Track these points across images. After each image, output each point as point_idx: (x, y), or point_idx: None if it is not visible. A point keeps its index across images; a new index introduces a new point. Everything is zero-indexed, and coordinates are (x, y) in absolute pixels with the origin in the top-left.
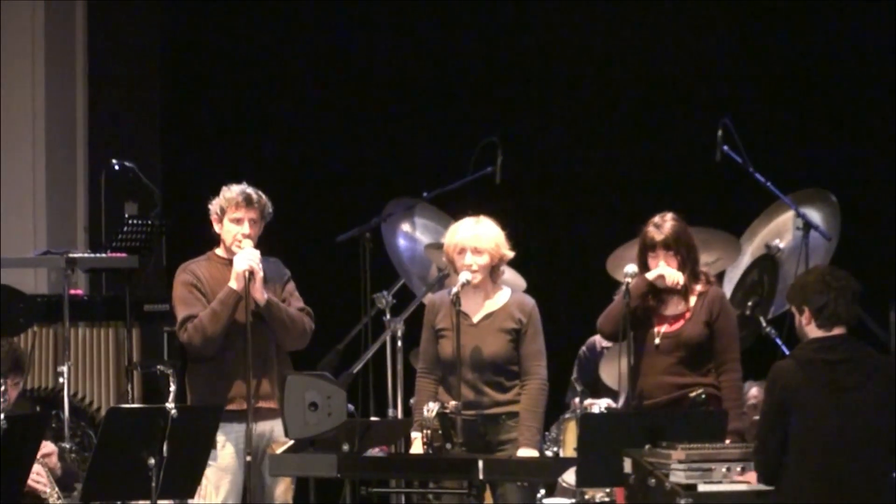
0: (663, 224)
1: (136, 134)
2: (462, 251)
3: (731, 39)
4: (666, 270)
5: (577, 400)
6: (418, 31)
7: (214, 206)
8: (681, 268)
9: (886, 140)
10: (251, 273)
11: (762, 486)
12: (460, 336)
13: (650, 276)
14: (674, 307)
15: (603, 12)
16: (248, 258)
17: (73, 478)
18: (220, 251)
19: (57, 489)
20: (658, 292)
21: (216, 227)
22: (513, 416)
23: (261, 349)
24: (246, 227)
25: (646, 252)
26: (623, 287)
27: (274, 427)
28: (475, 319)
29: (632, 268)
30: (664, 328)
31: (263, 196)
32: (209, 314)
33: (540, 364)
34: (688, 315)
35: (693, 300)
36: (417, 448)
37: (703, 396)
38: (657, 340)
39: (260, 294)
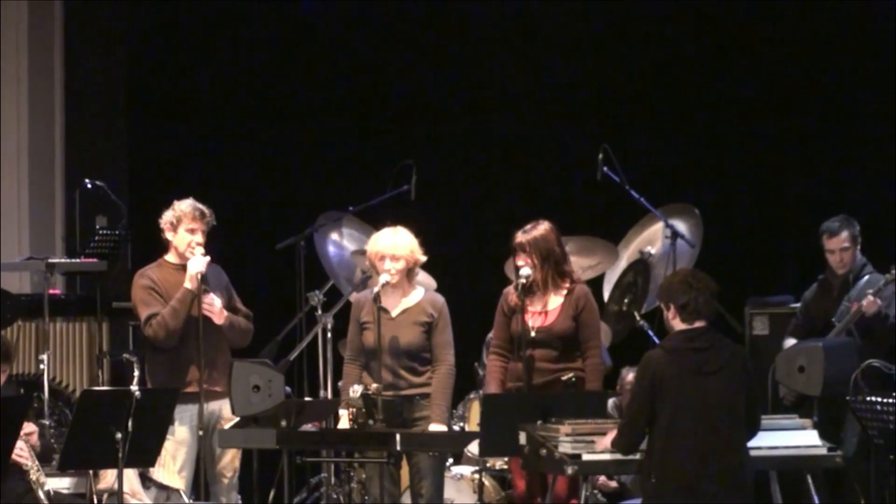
0: (528, 231)
1: (106, 158)
2: (382, 258)
3: (611, 76)
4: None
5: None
6: (346, 73)
7: (168, 217)
8: (537, 267)
9: (742, 162)
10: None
11: (628, 456)
12: (381, 328)
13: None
14: (545, 304)
15: (501, 50)
16: (199, 263)
17: (51, 452)
18: (170, 257)
19: (37, 462)
20: (532, 290)
21: (168, 236)
22: (425, 397)
23: (211, 341)
24: (199, 237)
25: (513, 253)
26: (518, 286)
27: (222, 406)
28: (393, 314)
29: (526, 270)
30: (538, 323)
31: (210, 210)
32: (170, 311)
33: (448, 352)
34: (558, 311)
35: (561, 297)
36: (344, 423)
37: (573, 379)
38: (533, 333)
39: (221, 318)
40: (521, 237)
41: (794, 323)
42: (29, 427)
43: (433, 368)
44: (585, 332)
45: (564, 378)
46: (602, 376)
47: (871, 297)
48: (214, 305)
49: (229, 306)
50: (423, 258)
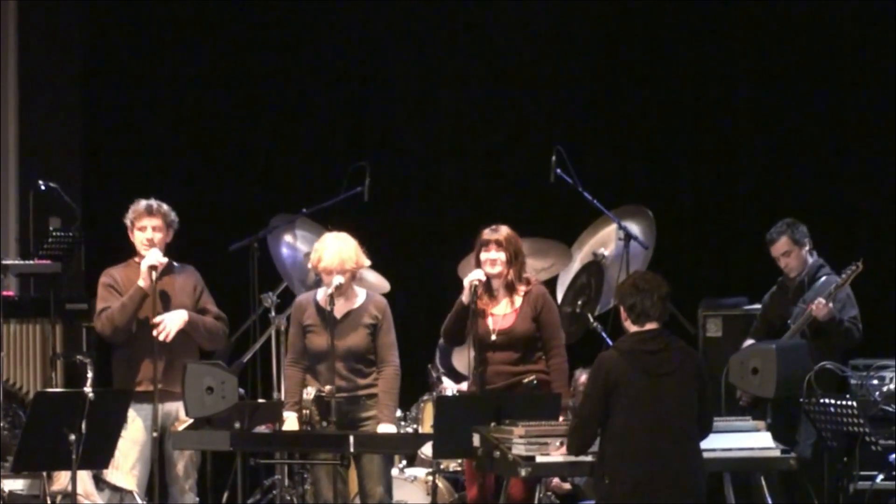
0: (498, 229)
1: (60, 159)
2: (329, 272)
3: (564, 78)
4: (472, 275)
5: (440, 377)
6: (299, 75)
7: (126, 219)
8: (508, 264)
9: (695, 164)
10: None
11: (581, 458)
12: (329, 331)
13: (466, 282)
14: (504, 307)
15: (454, 52)
16: (150, 259)
17: (6, 450)
18: (137, 258)
19: None
20: (491, 292)
21: (131, 237)
22: (372, 398)
23: (171, 342)
24: (150, 233)
25: (480, 249)
26: (471, 288)
27: (180, 408)
28: (338, 317)
29: (478, 273)
30: (498, 326)
31: (165, 206)
32: (118, 307)
33: (393, 353)
34: (517, 313)
35: (520, 300)
36: (290, 426)
37: (535, 382)
38: (493, 337)
39: (180, 324)
40: (492, 234)
41: (754, 325)
42: None
43: (378, 369)
44: (547, 331)
45: (526, 381)
46: (567, 376)
47: (821, 301)
48: (166, 326)
49: (198, 308)
50: (368, 262)
